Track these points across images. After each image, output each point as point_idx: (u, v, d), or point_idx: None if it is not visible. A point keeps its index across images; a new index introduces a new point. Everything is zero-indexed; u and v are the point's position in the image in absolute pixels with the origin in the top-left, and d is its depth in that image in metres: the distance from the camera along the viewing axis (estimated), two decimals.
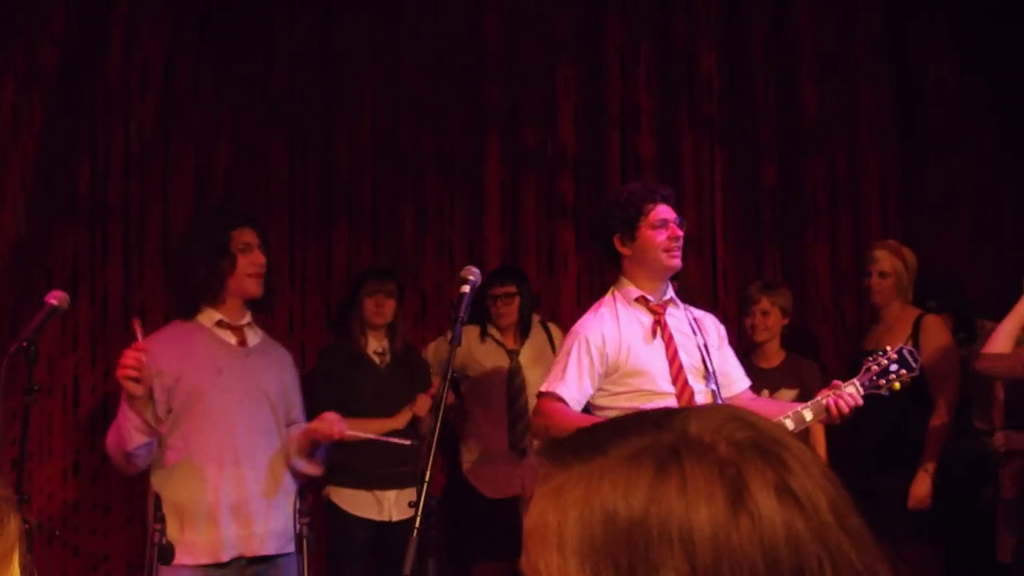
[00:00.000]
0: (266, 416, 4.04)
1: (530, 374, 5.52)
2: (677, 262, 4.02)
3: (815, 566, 0.93)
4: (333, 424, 4.02)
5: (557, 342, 5.70)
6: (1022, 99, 6.32)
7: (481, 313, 5.43)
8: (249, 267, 3.97)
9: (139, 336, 3.60)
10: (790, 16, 6.42)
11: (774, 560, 0.92)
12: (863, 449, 5.20)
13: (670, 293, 4.13)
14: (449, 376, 3.48)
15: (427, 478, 3.27)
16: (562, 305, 6.13)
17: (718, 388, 4.07)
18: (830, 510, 0.96)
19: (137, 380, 3.57)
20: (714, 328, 4.21)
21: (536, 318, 5.70)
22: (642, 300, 4.04)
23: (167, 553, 3.23)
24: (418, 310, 5.89)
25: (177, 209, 5.62)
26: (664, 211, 4.02)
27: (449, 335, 5.51)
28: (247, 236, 3.99)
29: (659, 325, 4.02)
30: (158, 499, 3.26)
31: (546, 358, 5.59)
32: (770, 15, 6.42)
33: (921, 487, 5.08)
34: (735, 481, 0.94)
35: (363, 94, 5.97)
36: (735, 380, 4.21)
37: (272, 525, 3.98)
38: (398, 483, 5.23)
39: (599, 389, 3.98)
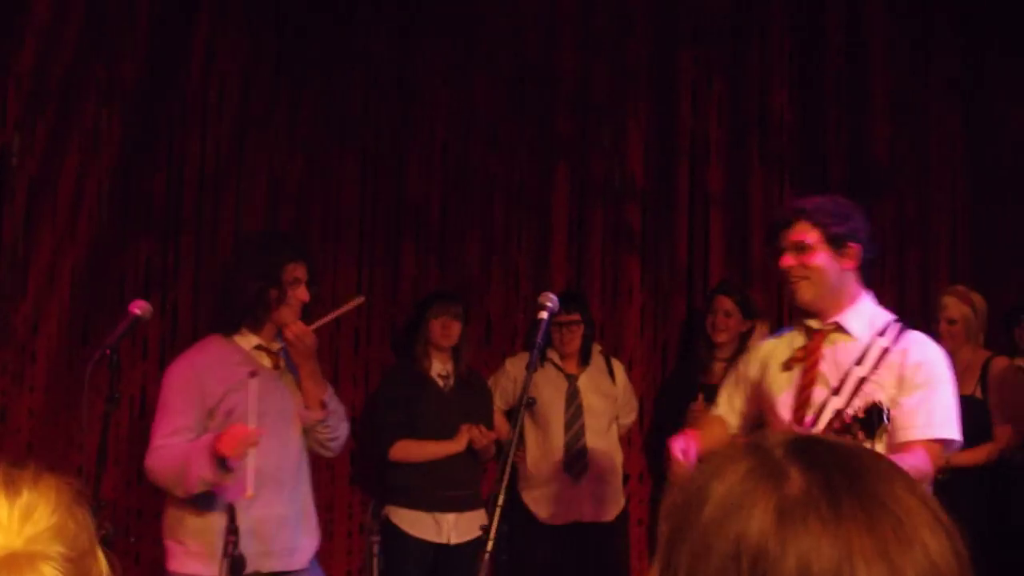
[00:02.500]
0: (297, 435, 4.09)
1: (587, 399, 5.54)
2: (795, 295, 3.56)
3: None
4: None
5: (617, 374, 5.70)
6: None
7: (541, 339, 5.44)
8: (292, 300, 4.02)
9: None
10: (863, 53, 6.41)
11: None
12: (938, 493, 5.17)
13: (851, 325, 3.52)
14: (525, 401, 3.48)
15: (500, 502, 3.26)
16: (625, 337, 6.12)
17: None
18: None
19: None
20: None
21: (596, 347, 5.71)
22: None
23: (240, 565, 3.25)
24: (482, 335, 5.90)
25: (249, 223, 5.68)
26: (785, 234, 3.55)
27: (506, 365, 5.60)
28: (299, 271, 4.03)
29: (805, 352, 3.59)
30: (232, 512, 3.27)
31: (604, 387, 5.60)
32: (843, 52, 6.41)
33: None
34: None
35: (436, 118, 6.02)
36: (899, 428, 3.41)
37: (290, 543, 4.02)
38: (458, 506, 5.26)
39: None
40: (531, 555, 5.40)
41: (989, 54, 6.50)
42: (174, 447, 3.86)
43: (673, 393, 5.76)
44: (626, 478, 5.73)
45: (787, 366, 3.61)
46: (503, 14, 6.14)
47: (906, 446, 3.34)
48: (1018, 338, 5.57)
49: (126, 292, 5.48)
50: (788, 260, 3.50)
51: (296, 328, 3.99)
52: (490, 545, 3.24)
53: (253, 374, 3.80)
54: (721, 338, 5.61)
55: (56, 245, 5.45)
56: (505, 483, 3.31)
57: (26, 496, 1.63)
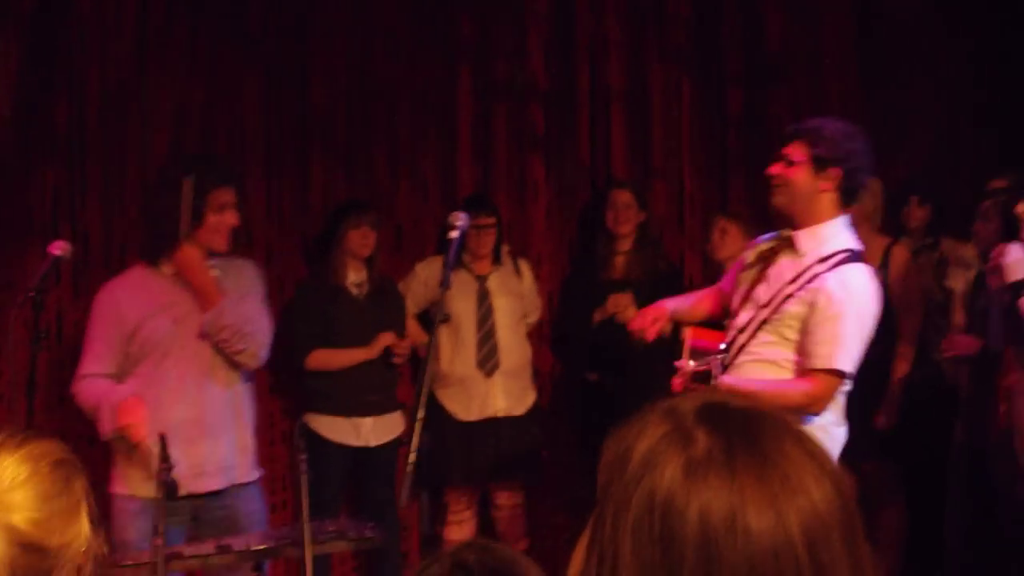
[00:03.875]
0: (221, 362, 4.19)
1: (497, 299, 5.71)
2: (771, 199, 3.89)
3: None
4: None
5: (523, 273, 5.87)
6: (982, 24, 6.48)
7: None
8: (220, 225, 4.08)
9: None
10: None
11: None
12: None
13: (801, 242, 3.82)
14: (440, 318, 3.64)
15: (420, 415, 3.43)
16: (531, 236, 6.27)
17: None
18: None
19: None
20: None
21: (505, 248, 5.86)
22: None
23: (173, 489, 3.40)
24: (392, 242, 6.01)
25: (154, 144, 5.68)
26: (784, 148, 3.86)
27: (416, 269, 5.73)
28: (225, 196, 4.08)
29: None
30: (163, 440, 3.41)
31: (512, 286, 5.78)
32: None
33: (888, 411, 5.34)
34: None
35: (336, 28, 6.02)
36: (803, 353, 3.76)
37: (224, 462, 4.18)
38: (374, 410, 5.44)
39: None
40: (447, 450, 5.58)
41: None
42: (93, 385, 4.01)
43: (576, 290, 5.97)
44: (536, 373, 5.94)
45: (751, 265, 3.97)
46: None
47: (806, 373, 3.67)
48: (904, 217, 5.79)
49: (34, 219, 5.51)
50: (773, 168, 3.84)
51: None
52: (412, 457, 3.42)
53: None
54: (622, 230, 5.79)
55: None
56: (423, 398, 3.48)
57: None
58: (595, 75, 6.37)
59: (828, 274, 3.69)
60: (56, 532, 1.69)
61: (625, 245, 5.82)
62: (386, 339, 5.42)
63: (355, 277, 5.47)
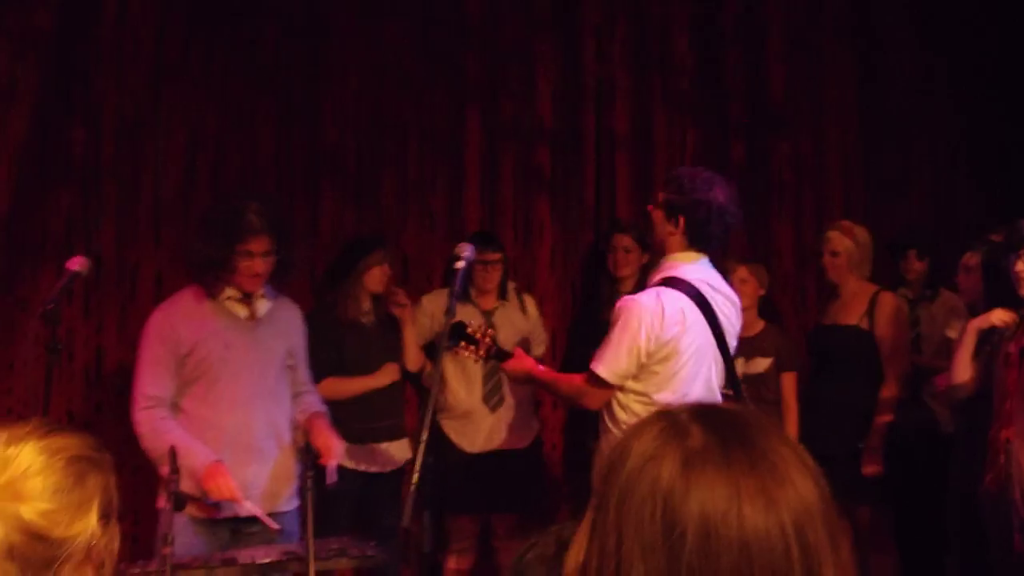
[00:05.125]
0: (270, 386, 4.35)
1: (503, 334, 5.78)
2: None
3: None
4: (332, 455, 4.29)
5: (528, 308, 5.97)
6: (980, 81, 6.63)
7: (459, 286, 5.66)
8: (247, 271, 4.21)
9: None
10: None
11: None
12: (820, 417, 5.53)
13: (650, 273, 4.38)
14: (445, 347, 3.73)
15: (424, 438, 3.52)
16: (536, 274, 6.38)
17: None
18: None
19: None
20: None
21: (511, 284, 5.96)
22: None
23: (181, 501, 3.48)
24: (399, 274, 6.10)
25: (168, 171, 5.80)
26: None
27: (423, 301, 5.82)
28: (252, 245, 4.20)
29: None
30: (174, 453, 3.51)
31: (518, 321, 5.86)
32: None
33: (872, 457, 5.42)
34: None
35: (348, 64, 6.15)
36: None
37: (265, 489, 4.28)
38: (383, 437, 5.51)
39: None
40: (450, 479, 5.64)
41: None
42: (164, 427, 4.13)
43: (582, 331, 6.07)
44: (538, 405, 6.02)
45: None
46: None
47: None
48: (903, 269, 5.92)
49: (48, 241, 5.60)
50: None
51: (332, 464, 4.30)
52: (415, 478, 3.50)
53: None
54: (623, 272, 5.91)
55: None
56: (428, 423, 3.57)
57: (13, 450, 1.82)
58: (600, 119, 6.50)
59: (625, 296, 4.14)
60: (61, 524, 1.76)
61: (627, 287, 5.90)
62: (391, 371, 5.50)
63: (364, 306, 5.56)
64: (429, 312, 5.77)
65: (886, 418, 5.47)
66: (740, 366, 5.49)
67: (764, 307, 5.87)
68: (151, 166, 5.79)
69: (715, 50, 6.64)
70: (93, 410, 5.64)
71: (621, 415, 4.01)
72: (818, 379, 5.68)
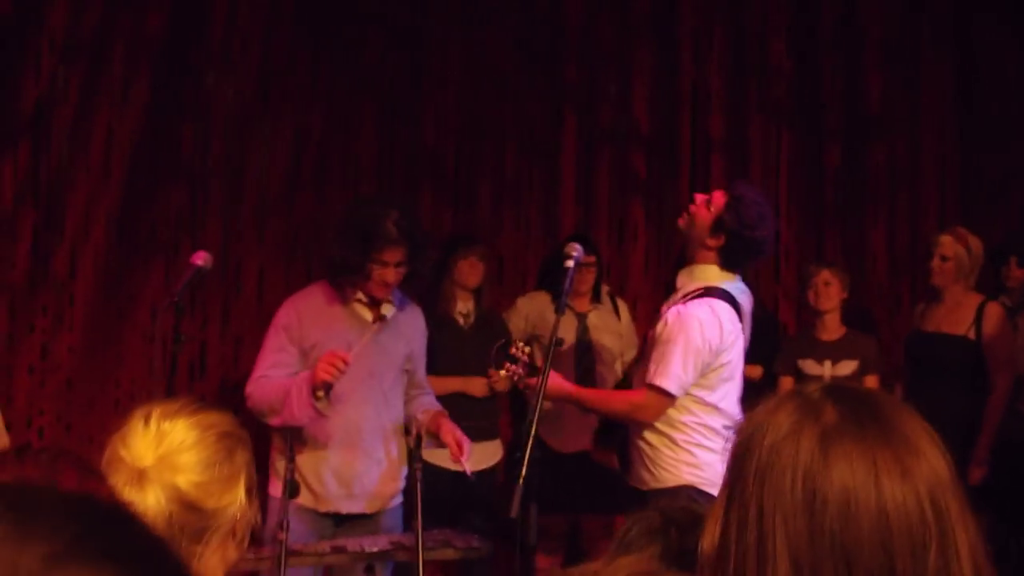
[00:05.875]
0: (385, 390, 4.41)
1: (597, 336, 5.84)
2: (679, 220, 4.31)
3: None
4: (454, 445, 4.33)
5: (621, 312, 6.02)
6: None
7: (554, 279, 5.73)
8: (379, 280, 4.26)
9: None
10: (858, 2, 6.67)
11: None
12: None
13: (679, 278, 4.32)
14: (553, 344, 3.80)
15: (533, 431, 3.59)
16: (630, 277, 6.43)
17: None
18: None
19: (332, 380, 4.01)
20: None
21: (605, 288, 6.01)
22: None
23: (295, 488, 3.58)
24: (495, 275, 6.18)
25: (273, 170, 5.95)
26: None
27: (518, 304, 5.90)
28: (387, 255, 4.22)
29: None
30: (292, 440, 3.60)
31: (611, 324, 5.91)
32: (839, 1, 6.67)
33: (978, 464, 5.39)
34: None
35: (449, 69, 6.26)
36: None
37: (371, 489, 4.36)
38: (473, 436, 5.57)
39: None
40: (544, 481, 5.69)
41: (979, 2, 6.76)
42: (274, 379, 4.20)
43: None
44: None
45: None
46: None
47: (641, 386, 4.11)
48: (1003, 276, 5.86)
49: (158, 236, 5.76)
50: (697, 198, 4.18)
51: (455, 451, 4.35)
52: (524, 470, 3.58)
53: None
54: None
55: (91, 192, 5.71)
56: (536, 419, 3.64)
57: (168, 424, 1.94)
58: (696, 124, 6.54)
59: (677, 306, 4.03)
60: (214, 496, 1.87)
61: None
62: (480, 387, 5.55)
63: (463, 307, 5.63)
64: (524, 314, 5.84)
65: (993, 425, 5.43)
66: (827, 368, 5.52)
67: (851, 311, 5.85)
68: (257, 165, 5.93)
69: (812, 55, 6.64)
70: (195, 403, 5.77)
71: (673, 413, 4.06)
72: (920, 386, 5.62)
